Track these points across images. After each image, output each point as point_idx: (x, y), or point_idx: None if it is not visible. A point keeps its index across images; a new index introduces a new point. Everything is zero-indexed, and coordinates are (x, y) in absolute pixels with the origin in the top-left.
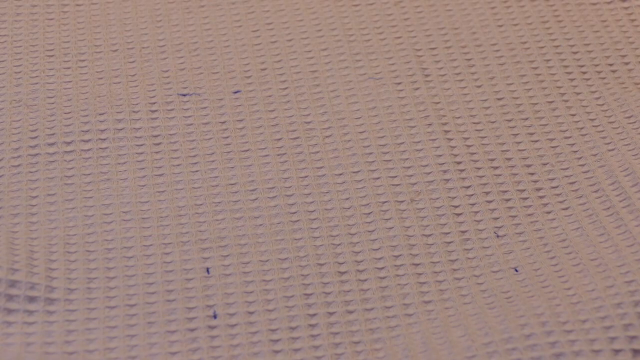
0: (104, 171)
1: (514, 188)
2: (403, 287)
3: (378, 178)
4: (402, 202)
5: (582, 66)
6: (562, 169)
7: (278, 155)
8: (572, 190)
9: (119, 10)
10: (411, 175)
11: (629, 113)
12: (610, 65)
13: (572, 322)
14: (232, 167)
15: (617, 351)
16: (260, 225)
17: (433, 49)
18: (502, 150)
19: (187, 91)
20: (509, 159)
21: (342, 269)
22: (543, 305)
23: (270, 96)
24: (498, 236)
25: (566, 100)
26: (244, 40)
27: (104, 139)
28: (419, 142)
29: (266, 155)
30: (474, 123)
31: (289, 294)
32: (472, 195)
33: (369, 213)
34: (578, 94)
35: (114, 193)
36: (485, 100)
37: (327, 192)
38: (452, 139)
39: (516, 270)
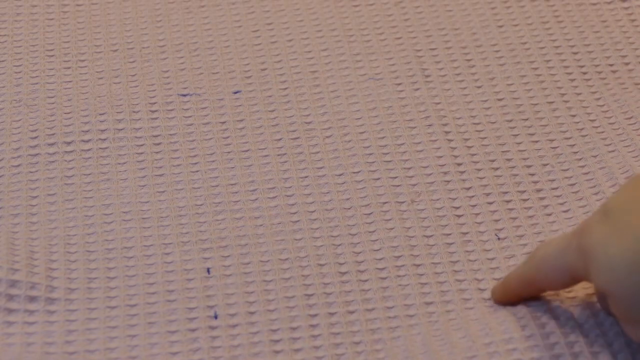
0: (104, 171)
1: (515, 189)
2: (404, 288)
3: (378, 179)
4: (402, 202)
5: (582, 66)
6: (562, 169)
7: (278, 155)
8: (572, 192)
9: (119, 10)
10: (412, 176)
11: (629, 114)
12: (611, 65)
13: (571, 324)
14: (232, 167)
15: (616, 352)
16: (261, 225)
17: (433, 49)
18: (503, 151)
19: (187, 91)
20: (509, 160)
21: (343, 269)
22: (543, 307)
23: (270, 96)
24: (499, 238)
25: (566, 101)
26: (244, 40)
27: (104, 139)
28: (419, 142)
29: (266, 156)
30: (474, 124)
31: (290, 295)
32: (472, 196)
33: (370, 213)
34: (578, 94)
35: (114, 193)
36: (486, 100)
37: (327, 192)
38: (452, 140)
39: None
